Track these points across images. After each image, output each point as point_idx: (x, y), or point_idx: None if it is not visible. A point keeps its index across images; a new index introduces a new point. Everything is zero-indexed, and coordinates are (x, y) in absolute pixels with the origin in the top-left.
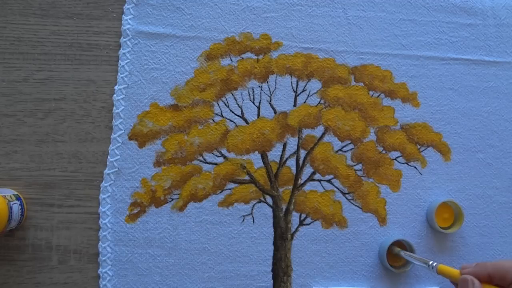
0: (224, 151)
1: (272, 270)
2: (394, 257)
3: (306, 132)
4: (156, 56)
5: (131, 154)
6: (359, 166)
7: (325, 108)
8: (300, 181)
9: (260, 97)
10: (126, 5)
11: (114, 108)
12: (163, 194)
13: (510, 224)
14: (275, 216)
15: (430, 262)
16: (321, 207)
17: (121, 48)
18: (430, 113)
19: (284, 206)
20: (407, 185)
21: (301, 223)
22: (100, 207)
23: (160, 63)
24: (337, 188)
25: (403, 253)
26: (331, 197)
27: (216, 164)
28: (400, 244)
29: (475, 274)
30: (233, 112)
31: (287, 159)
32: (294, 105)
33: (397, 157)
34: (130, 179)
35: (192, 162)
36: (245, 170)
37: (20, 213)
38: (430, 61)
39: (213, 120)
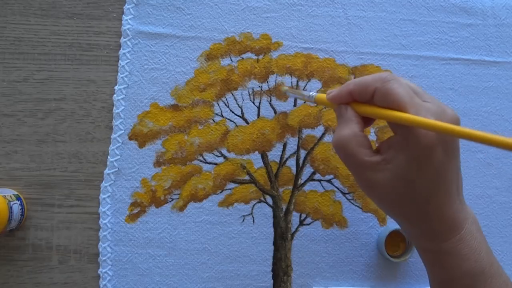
0: (224, 151)
1: (272, 270)
2: (393, 247)
3: (306, 132)
4: (156, 56)
5: (131, 154)
6: None
7: (325, 108)
8: (300, 181)
9: (260, 97)
10: (126, 5)
11: (114, 108)
12: (163, 194)
13: (510, 224)
14: (275, 216)
15: (310, 93)
16: (321, 207)
17: (121, 48)
18: None
19: (284, 206)
20: None
21: (301, 223)
22: (100, 207)
23: (160, 63)
24: (337, 188)
25: (289, 90)
26: (331, 197)
27: (216, 164)
28: (398, 233)
29: (340, 94)
30: (233, 112)
31: (287, 159)
32: (294, 105)
33: None
34: (130, 179)
35: (192, 162)
36: (245, 170)
37: (20, 213)
38: (430, 61)
39: (213, 120)
